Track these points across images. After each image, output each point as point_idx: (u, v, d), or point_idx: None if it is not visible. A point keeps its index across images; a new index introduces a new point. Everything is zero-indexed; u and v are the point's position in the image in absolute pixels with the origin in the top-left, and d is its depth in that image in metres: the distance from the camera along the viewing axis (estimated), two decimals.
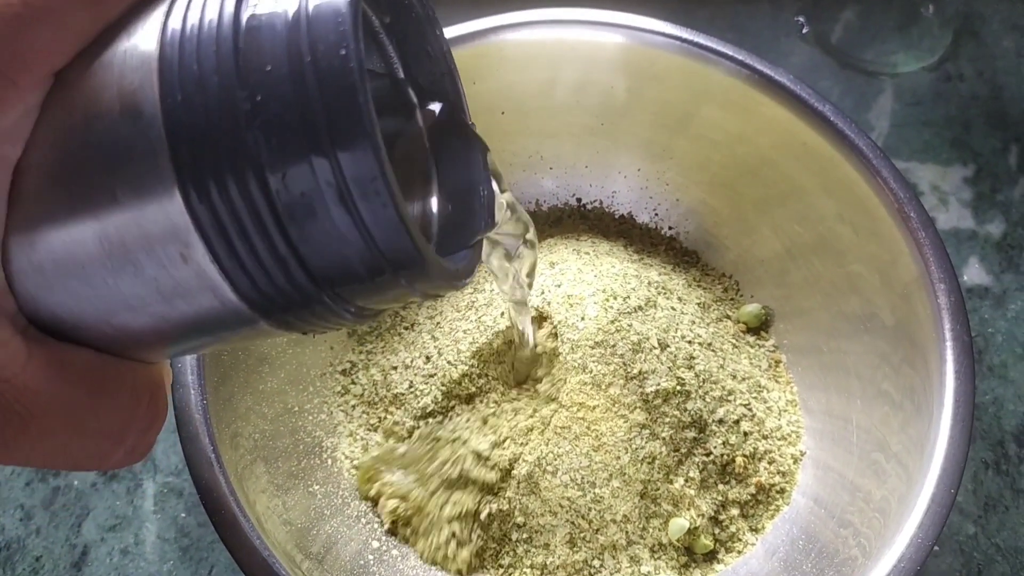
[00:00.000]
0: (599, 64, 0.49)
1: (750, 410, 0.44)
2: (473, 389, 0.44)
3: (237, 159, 0.18)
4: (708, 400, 0.43)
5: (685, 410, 0.42)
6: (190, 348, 0.22)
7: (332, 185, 0.18)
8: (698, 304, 0.48)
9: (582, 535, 0.41)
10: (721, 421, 0.43)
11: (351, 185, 0.18)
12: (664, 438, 0.42)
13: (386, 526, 0.43)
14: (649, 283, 0.46)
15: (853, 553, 0.39)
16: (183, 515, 0.49)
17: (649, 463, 0.42)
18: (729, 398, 0.44)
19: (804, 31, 0.66)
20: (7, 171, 0.19)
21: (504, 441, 0.42)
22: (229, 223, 0.18)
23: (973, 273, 0.56)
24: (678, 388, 0.42)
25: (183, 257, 0.19)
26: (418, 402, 0.45)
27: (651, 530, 0.42)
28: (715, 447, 0.43)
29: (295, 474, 0.43)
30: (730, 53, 0.46)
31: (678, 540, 0.42)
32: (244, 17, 0.18)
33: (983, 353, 0.53)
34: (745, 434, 0.43)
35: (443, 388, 0.45)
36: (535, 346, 0.44)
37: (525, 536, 0.41)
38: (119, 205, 0.18)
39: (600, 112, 0.51)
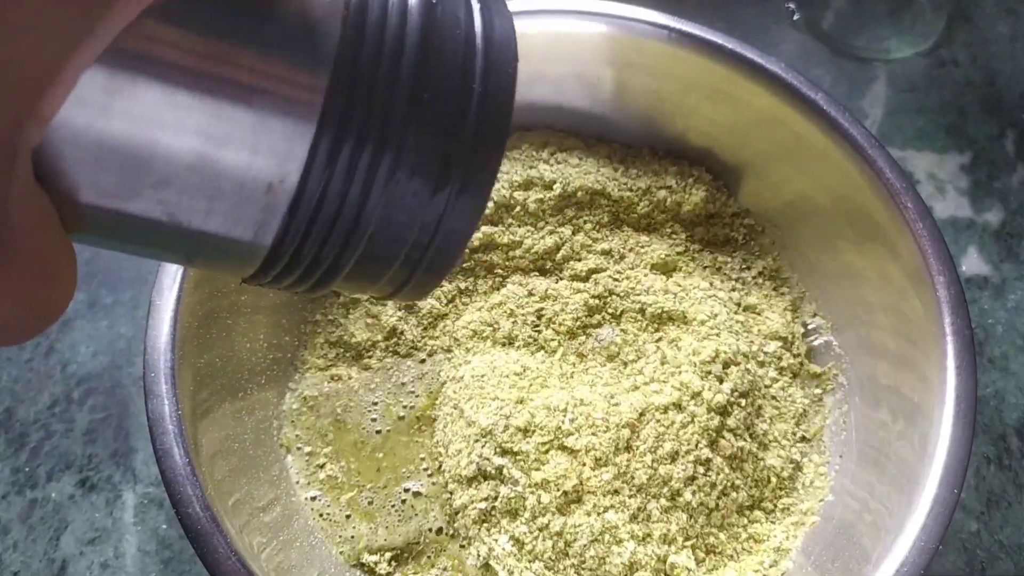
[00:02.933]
0: (584, 56, 0.48)
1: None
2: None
3: (387, 122, 0.18)
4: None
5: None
6: (149, 251, 0.20)
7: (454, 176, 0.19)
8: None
9: None
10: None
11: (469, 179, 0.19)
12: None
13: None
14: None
15: (854, 554, 0.38)
16: (164, 526, 0.47)
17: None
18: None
19: (795, 18, 0.64)
20: None
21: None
22: (340, 172, 0.18)
23: (972, 263, 0.54)
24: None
25: (277, 164, 0.18)
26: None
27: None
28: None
29: (274, 482, 0.42)
30: (720, 42, 0.45)
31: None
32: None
33: (983, 345, 0.52)
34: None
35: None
36: None
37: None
38: (252, 88, 0.18)
39: (585, 107, 0.49)
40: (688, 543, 0.41)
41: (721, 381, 0.43)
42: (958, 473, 0.35)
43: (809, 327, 0.47)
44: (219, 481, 0.37)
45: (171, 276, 0.39)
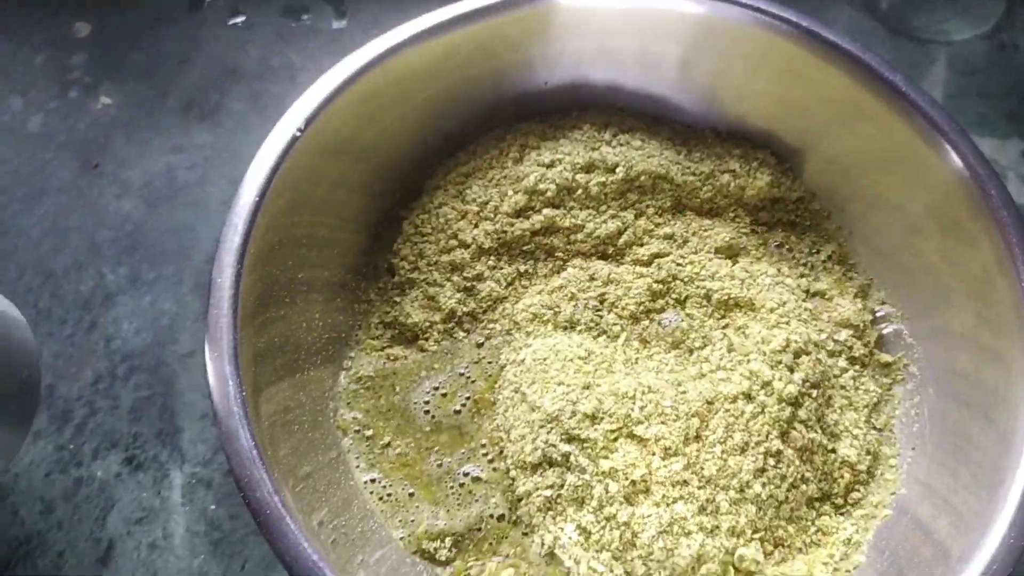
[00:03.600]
0: (648, 33, 0.46)
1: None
2: None
3: None
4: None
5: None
6: None
7: None
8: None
9: None
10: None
11: None
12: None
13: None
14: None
15: (933, 552, 0.37)
16: (213, 507, 0.46)
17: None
18: None
19: None
20: None
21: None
22: None
23: None
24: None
25: None
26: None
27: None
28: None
29: (332, 465, 0.41)
30: (795, 19, 0.43)
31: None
32: None
33: None
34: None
35: None
36: None
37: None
38: None
39: (646, 86, 0.48)
40: (756, 535, 0.40)
41: (792, 371, 0.42)
42: None
43: (878, 315, 0.46)
44: (282, 465, 0.36)
45: (232, 252, 0.37)
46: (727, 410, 0.40)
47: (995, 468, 0.36)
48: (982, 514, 0.36)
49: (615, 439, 0.40)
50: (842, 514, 0.41)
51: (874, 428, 0.43)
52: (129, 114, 0.56)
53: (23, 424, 0.45)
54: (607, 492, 0.39)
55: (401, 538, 0.40)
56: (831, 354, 0.44)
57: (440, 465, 0.42)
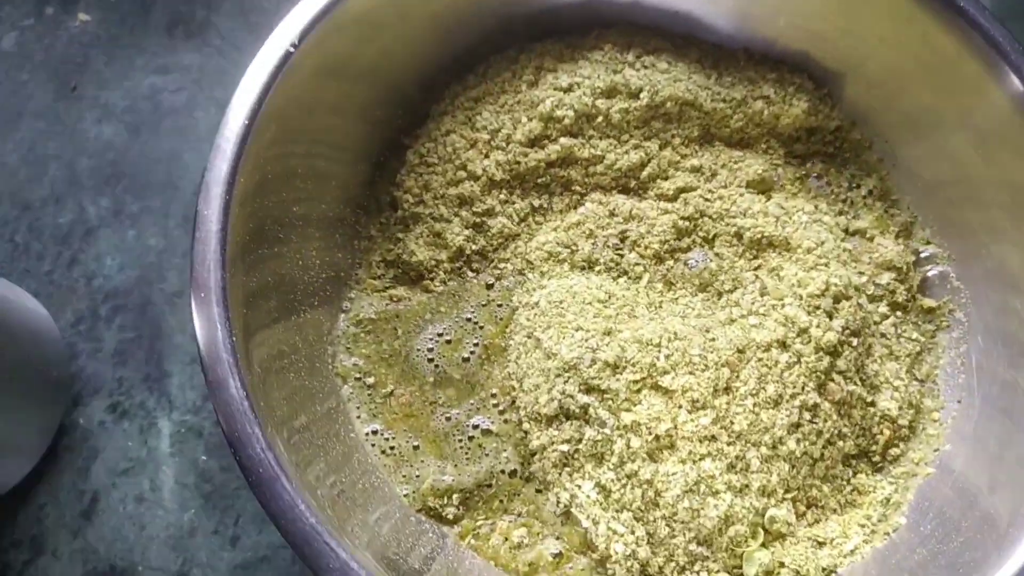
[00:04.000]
0: None
1: None
2: None
3: None
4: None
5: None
6: None
7: None
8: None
9: None
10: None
11: None
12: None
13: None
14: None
15: (982, 517, 0.34)
16: (203, 457, 0.43)
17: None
18: None
19: None
20: None
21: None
22: None
23: None
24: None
25: None
26: None
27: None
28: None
29: (331, 416, 0.38)
30: None
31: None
32: None
33: None
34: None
35: None
36: None
37: None
38: None
39: (675, 2, 0.44)
40: (788, 495, 0.37)
41: (831, 317, 0.38)
42: None
43: (922, 255, 0.42)
44: (275, 415, 0.33)
45: (219, 183, 0.33)
46: (760, 359, 0.37)
47: None
48: None
49: (638, 390, 0.37)
50: (880, 472, 0.38)
51: (916, 379, 0.40)
52: (109, 32, 0.51)
53: (51, 424, 0.42)
54: (629, 447, 0.36)
55: (405, 495, 0.37)
56: (872, 299, 0.40)
57: (448, 418, 0.39)
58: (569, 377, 0.37)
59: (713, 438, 0.36)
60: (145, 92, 0.50)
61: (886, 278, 0.41)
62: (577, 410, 0.37)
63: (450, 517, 0.37)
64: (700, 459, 0.36)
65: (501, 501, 0.38)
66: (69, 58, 0.51)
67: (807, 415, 0.37)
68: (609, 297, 0.39)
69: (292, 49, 0.36)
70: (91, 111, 0.50)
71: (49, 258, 0.47)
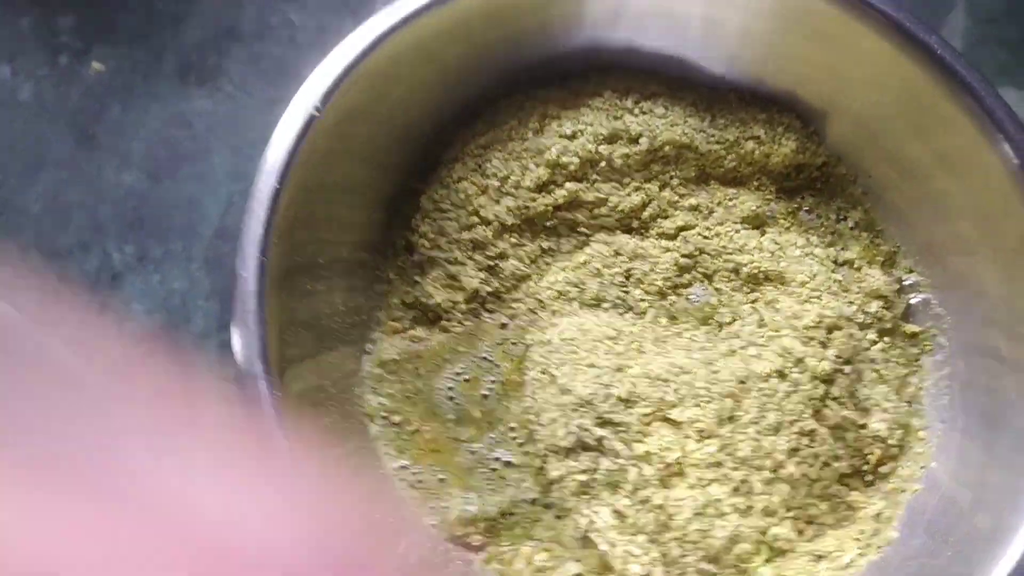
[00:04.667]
0: None
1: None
2: None
3: None
4: None
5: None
6: None
7: None
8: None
9: None
10: None
11: None
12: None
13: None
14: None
15: (970, 531, 0.37)
16: None
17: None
18: None
19: None
20: None
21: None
22: None
23: None
24: None
25: None
26: None
27: None
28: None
29: (359, 453, 0.40)
30: None
31: None
32: None
33: None
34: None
35: None
36: None
37: None
38: None
39: (668, 48, 0.46)
40: (789, 514, 0.40)
41: (825, 347, 0.41)
42: None
43: (905, 283, 0.45)
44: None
45: (255, 244, 0.36)
46: (760, 389, 0.40)
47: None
48: (1020, 490, 0.36)
49: (649, 423, 0.40)
50: (872, 488, 0.41)
51: (903, 401, 0.43)
52: (123, 80, 0.53)
53: None
54: (641, 475, 0.39)
55: (433, 525, 0.40)
56: (861, 327, 0.43)
57: (471, 452, 0.41)
58: (585, 412, 0.40)
59: (719, 464, 0.39)
60: (162, 139, 0.52)
61: (874, 306, 0.44)
62: (593, 442, 0.39)
63: (476, 544, 0.40)
64: (708, 484, 0.39)
65: (524, 528, 0.40)
66: (85, 106, 0.53)
67: (805, 440, 0.40)
68: (618, 334, 0.42)
69: (316, 113, 0.38)
70: (111, 159, 0.52)
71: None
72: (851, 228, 0.46)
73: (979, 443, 0.39)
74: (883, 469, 0.42)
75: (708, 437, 0.39)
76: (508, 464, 0.41)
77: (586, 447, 0.40)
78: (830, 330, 0.41)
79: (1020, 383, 0.38)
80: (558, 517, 0.41)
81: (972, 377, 0.41)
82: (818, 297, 0.42)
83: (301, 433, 0.35)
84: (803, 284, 0.43)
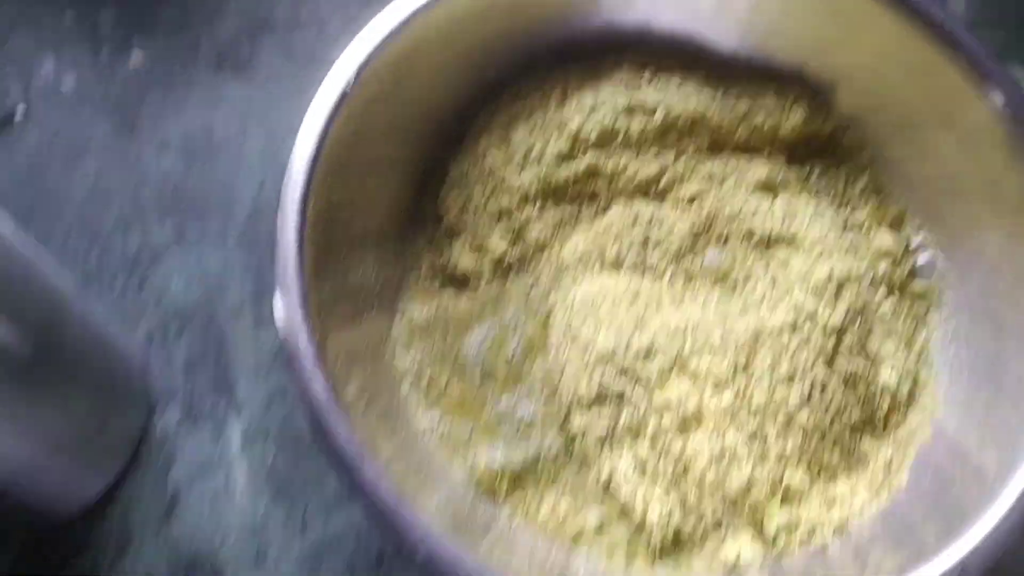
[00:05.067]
0: None
1: None
2: None
3: None
4: None
5: None
6: None
7: None
8: None
9: None
10: None
11: None
12: None
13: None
14: None
15: (971, 475, 0.39)
16: (272, 455, 0.48)
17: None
18: None
19: None
20: None
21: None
22: None
23: None
24: None
25: None
26: None
27: None
28: None
29: (392, 411, 0.42)
30: None
31: None
32: None
33: None
34: None
35: None
36: None
37: None
38: None
39: (680, 26, 0.48)
40: (803, 461, 0.41)
41: (835, 302, 0.43)
42: None
43: (913, 243, 0.47)
44: (351, 409, 0.37)
45: (294, 207, 0.38)
46: (773, 342, 0.42)
47: None
48: (1019, 433, 0.37)
49: (668, 374, 0.41)
50: (883, 438, 0.43)
51: (912, 353, 0.45)
52: (162, 69, 0.56)
53: (135, 431, 0.47)
54: (661, 425, 0.41)
55: (460, 479, 0.42)
56: (871, 284, 0.45)
57: (497, 409, 0.43)
58: (606, 365, 0.42)
59: (735, 413, 0.41)
60: (198, 125, 0.55)
61: (883, 265, 0.46)
62: (614, 394, 0.41)
63: (501, 495, 0.42)
64: (724, 432, 0.41)
65: (548, 478, 0.42)
66: (126, 96, 0.56)
67: (817, 390, 0.41)
68: (637, 293, 0.44)
69: (347, 90, 0.40)
70: (150, 145, 0.54)
71: (120, 280, 0.51)
72: (859, 192, 0.48)
73: (983, 391, 0.41)
74: (893, 419, 0.43)
75: (723, 387, 0.41)
76: (532, 420, 0.43)
77: (607, 399, 0.41)
78: (840, 286, 0.43)
79: (1019, 333, 0.40)
80: (581, 468, 0.42)
81: (977, 330, 0.43)
82: (828, 255, 0.44)
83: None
84: (814, 245, 0.45)
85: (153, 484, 0.47)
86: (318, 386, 0.35)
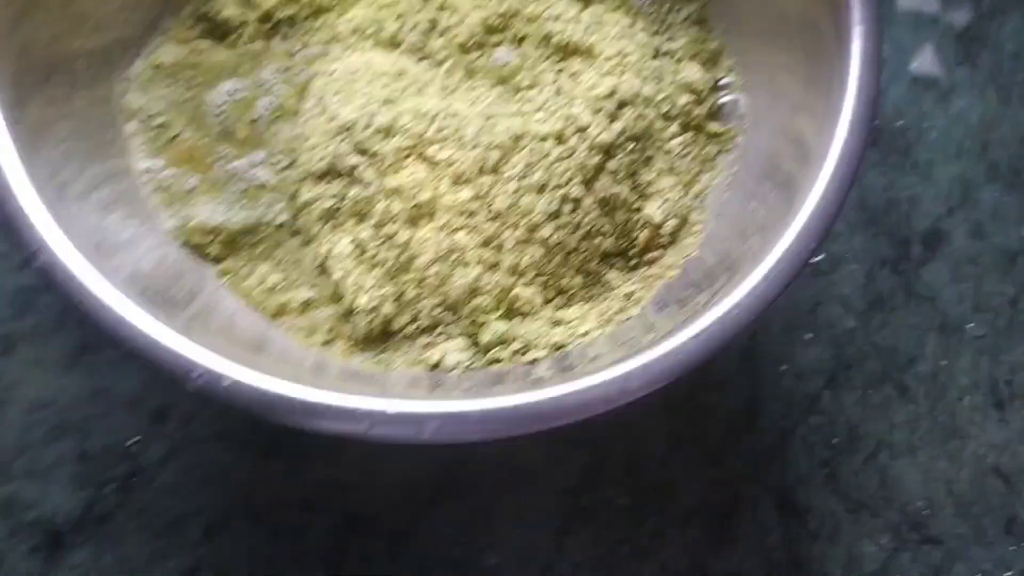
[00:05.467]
0: None
1: None
2: None
3: None
4: None
5: None
6: None
7: None
8: None
9: None
10: None
11: None
12: None
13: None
14: None
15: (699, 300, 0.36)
16: None
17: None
18: None
19: None
20: None
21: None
22: None
23: (925, 62, 0.50)
24: None
25: None
26: None
27: None
28: None
29: (105, 147, 0.39)
30: None
31: None
32: None
33: (911, 147, 0.48)
34: None
35: None
36: None
37: None
38: None
39: None
40: (539, 279, 0.38)
41: (612, 120, 0.39)
42: (819, 230, 0.32)
43: (720, 83, 0.43)
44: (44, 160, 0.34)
45: None
46: (533, 149, 0.38)
47: (778, 226, 0.34)
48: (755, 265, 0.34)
49: (406, 157, 0.38)
50: (630, 272, 0.40)
51: (690, 195, 0.41)
52: None
53: None
54: (389, 210, 0.38)
55: (170, 229, 0.39)
56: (666, 117, 0.41)
57: (228, 168, 0.40)
58: (344, 138, 0.38)
59: (472, 213, 0.38)
60: None
61: (684, 99, 0.42)
62: (345, 169, 0.38)
63: (212, 255, 0.39)
64: (456, 231, 0.38)
65: (265, 248, 0.39)
66: None
67: (568, 207, 0.38)
68: (402, 73, 0.40)
69: None
70: None
71: None
72: (682, 21, 0.44)
73: (738, 234, 0.38)
74: (647, 256, 0.40)
75: (464, 182, 0.38)
76: (263, 185, 0.40)
77: (339, 173, 0.38)
78: (621, 105, 0.39)
79: (787, 179, 0.37)
80: (303, 245, 0.39)
81: (753, 175, 0.40)
82: (620, 73, 0.40)
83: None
84: (609, 59, 0.41)
85: None
86: None
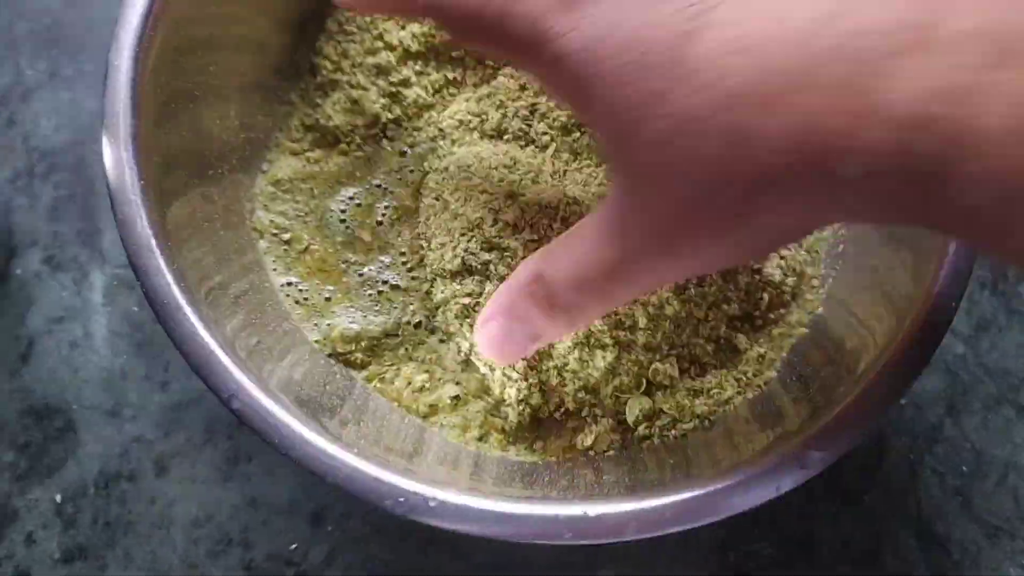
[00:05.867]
0: None
1: None
2: None
3: None
4: None
5: None
6: None
7: None
8: None
9: None
10: None
11: None
12: None
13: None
14: None
15: (840, 368, 0.37)
16: (135, 309, 0.46)
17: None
18: None
19: None
20: None
21: None
22: None
23: None
24: None
25: None
26: None
27: None
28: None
29: (248, 268, 0.40)
30: None
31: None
32: None
33: None
34: None
35: None
36: None
37: None
38: None
39: None
40: (672, 352, 0.40)
41: None
42: (951, 298, 0.34)
43: None
44: (189, 267, 0.35)
45: (130, 34, 0.35)
46: None
47: (904, 297, 0.35)
48: (889, 336, 0.36)
49: (536, 249, 0.39)
50: (760, 332, 0.41)
51: (802, 250, 0.43)
52: None
53: None
54: None
55: (316, 340, 0.40)
56: None
57: (359, 274, 0.41)
58: (473, 236, 0.39)
59: None
60: None
61: None
62: (479, 266, 0.39)
63: (357, 362, 0.40)
64: None
65: (406, 349, 0.41)
66: None
67: (693, 280, 0.39)
68: (515, 163, 0.41)
69: None
70: None
71: None
72: None
73: (864, 291, 0.39)
74: (773, 314, 0.41)
75: None
76: (395, 287, 0.41)
77: (472, 271, 0.39)
78: None
79: (905, 237, 0.38)
80: (441, 341, 0.41)
81: (865, 228, 0.41)
82: None
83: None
84: None
85: (8, 330, 0.45)
86: (140, 234, 0.33)
